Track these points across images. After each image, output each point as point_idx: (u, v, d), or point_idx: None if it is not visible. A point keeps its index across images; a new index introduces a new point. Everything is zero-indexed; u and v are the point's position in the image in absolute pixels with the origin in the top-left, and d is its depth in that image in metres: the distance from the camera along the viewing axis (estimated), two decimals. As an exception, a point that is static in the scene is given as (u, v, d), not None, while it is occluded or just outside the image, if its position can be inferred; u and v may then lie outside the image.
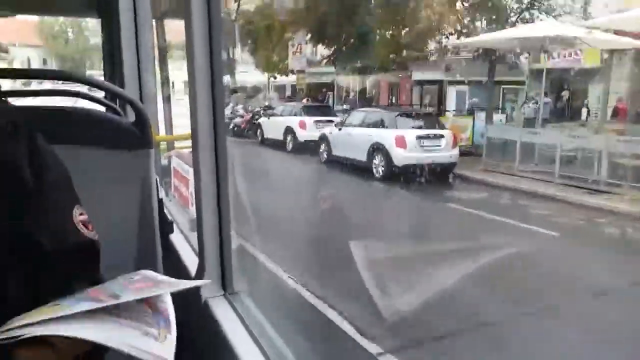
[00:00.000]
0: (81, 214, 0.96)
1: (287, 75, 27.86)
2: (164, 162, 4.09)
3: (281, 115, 16.27)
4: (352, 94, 26.22)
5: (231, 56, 27.12)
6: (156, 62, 3.60)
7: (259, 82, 29.45)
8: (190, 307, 1.53)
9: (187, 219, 2.24)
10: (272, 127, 16.03)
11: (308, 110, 15.81)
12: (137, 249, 1.56)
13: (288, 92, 30.49)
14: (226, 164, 1.42)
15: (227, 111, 17.12)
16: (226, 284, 1.45)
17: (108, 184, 1.52)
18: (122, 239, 1.52)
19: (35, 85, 10.78)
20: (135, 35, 2.98)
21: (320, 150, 12.90)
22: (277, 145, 15.27)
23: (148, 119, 1.66)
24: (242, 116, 18.91)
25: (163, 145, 3.97)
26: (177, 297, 1.64)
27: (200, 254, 1.50)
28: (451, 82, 19.53)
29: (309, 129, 14.46)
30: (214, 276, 1.46)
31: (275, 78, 28.16)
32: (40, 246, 0.88)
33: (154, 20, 3.52)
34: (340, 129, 12.51)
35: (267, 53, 26.15)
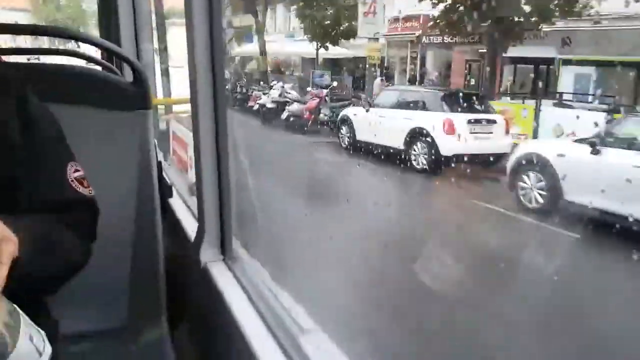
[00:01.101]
0: (76, 171, 0.95)
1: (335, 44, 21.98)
2: (162, 126, 4.05)
3: (390, 107, 10.39)
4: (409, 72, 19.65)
5: (259, 19, 24.10)
6: (154, 29, 3.52)
7: (304, 54, 24.94)
8: (190, 271, 1.53)
9: (186, 183, 2.23)
10: (375, 127, 10.06)
11: (451, 101, 9.77)
12: (136, 211, 1.55)
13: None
14: (225, 127, 1.40)
15: (275, 93, 14.71)
16: (225, 248, 1.45)
17: (106, 144, 1.50)
18: (122, 200, 1.51)
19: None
20: None
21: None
22: (387, 157, 9.18)
23: (146, 78, 1.63)
24: (299, 102, 14.09)
25: (161, 109, 3.93)
26: (177, 260, 1.65)
27: (200, 219, 1.49)
28: (566, 62, 13.53)
29: (461, 134, 8.70)
30: (213, 241, 1.45)
31: (326, 49, 22.44)
32: (31, 201, 0.87)
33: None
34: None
35: (321, 12, 21.49)
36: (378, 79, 17.55)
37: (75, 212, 0.93)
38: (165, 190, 1.86)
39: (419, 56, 19.54)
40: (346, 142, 11.01)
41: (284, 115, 13.82)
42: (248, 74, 25.68)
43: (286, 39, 26.56)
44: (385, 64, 20.78)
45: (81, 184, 0.95)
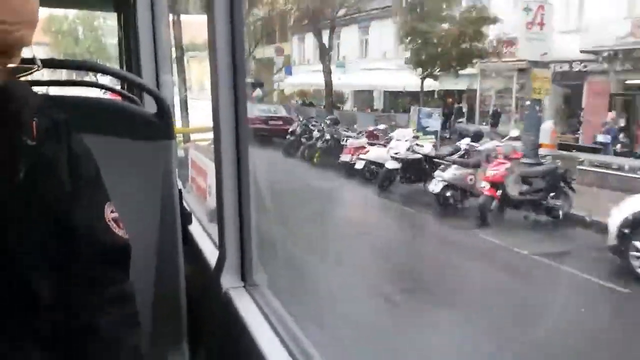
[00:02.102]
0: (112, 212, 0.95)
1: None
2: (181, 153, 4.11)
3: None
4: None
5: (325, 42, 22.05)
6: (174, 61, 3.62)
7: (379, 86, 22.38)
8: (211, 297, 1.55)
9: (204, 210, 2.26)
10: None
11: None
12: (158, 240, 1.58)
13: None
14: (247, 154, 1.43)
15: (401, 146, 9.61)
16: (246, 275, 1.46)
17: (130, 174, 1.54)
18: (144, 230, 1.54)
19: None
20: (152, 31, 3.00)
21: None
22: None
23: (169, 109, 1.68)
24: (456, 163, 8.31)
25: (179, 137, 4.00)
26: (198, 286, 1.67)
27: (221, 245, 1.51)
28: None
29: None
30: (234, 267, 1.47)
31: (435, 78, 17.97)
32: (73, 246, 0.86)
33: (171, 16, 3.53)
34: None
35: (436, 29, 15.96)
36: (548, 123, 11.54)
37: (112, 257, 0.93)
38: (186, 217, 1.89)
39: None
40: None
41: (435, 186, 7.95)
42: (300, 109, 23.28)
43: (337, 68, 24.07)
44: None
45: (117, 225, 0.95)
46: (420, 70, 18.05)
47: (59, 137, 0.87)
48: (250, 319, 1.29)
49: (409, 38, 17.69)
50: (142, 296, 1.51)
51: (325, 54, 22.14)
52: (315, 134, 13.79)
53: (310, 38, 27.54)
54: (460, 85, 19.40)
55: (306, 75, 25.73)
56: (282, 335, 1.20)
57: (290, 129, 15.63)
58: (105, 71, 1.85)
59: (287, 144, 15.07)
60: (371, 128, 14.46)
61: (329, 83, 22.22)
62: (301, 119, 16.15)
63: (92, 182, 0.94)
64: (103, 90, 3.12)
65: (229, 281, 1.47)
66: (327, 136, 13.25)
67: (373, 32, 24.47)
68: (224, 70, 1.42)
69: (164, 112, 1.66)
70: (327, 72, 21.69)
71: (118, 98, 2.25)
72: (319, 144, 13.23)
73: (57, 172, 0.85)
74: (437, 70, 17.68)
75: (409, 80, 19.43)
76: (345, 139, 12.46)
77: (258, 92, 24.52)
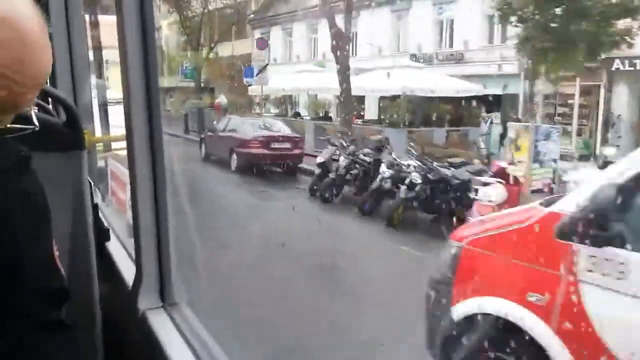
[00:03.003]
0: (57, 249, 0.84)
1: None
2: (101, 164, 3.89)
3: None
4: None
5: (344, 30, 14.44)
6: (91, 63, 3.41)
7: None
8: (127, 320, 1.43)
9: (125, 224, 2.12)
10: None
11: None
12: (69, 258, 1.45)
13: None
14: (163, 164, 1.34)
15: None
16: (165, 294, 1.36)
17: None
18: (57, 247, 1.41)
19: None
20: (66, 30, 2.82)
21: None
22: None
23: (79, 119, 1.56)
24: None
25: (100, 147, 3.79)
26: (112, 308, 1.54)
27: (138, 263, 1.40)
28: None
29: None
30: (152, 286, 1.37)
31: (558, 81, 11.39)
32: (23, 288, 0.75)
33: (87, 16, 3.34)
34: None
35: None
36: None
37: (56, 300, 0.82)
38: (102, 233, 1.76)
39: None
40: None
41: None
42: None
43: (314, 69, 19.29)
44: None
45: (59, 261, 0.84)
46: (529, 64, 11.96)
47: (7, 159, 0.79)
48: (168, 342, 1.20)
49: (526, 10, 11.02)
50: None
51: (345, 43, 15.10)
52: (384, 171, 8.16)
53: (300, 27, 23.16)
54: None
55: (294, 78, 18.84)
56: (201, 358, 1.12)
57: (319, 159, 9.91)
58: None
59: (321, 184, 9.32)
60: (500, 163, 8.17)
61: (345, 86, 14.53)
62: (345, 143, 10.14)
63: (44, 220, 0.84)
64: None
65: (146, 301, 1.36)
66: (416, 176, 7.58)
67: (361, 23, 19.54)
68: (135, 75, 1.33)
69: (73, 121, 1.54)
70: (344, 71, 14.56)
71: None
72: (405, 192, 7.50)
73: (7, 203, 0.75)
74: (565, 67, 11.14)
75: (428, 80, 15.01)
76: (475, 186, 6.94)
77: (222, 100, 20.62)
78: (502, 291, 2.51)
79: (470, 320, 2.59)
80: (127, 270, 1.64)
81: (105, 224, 1.84)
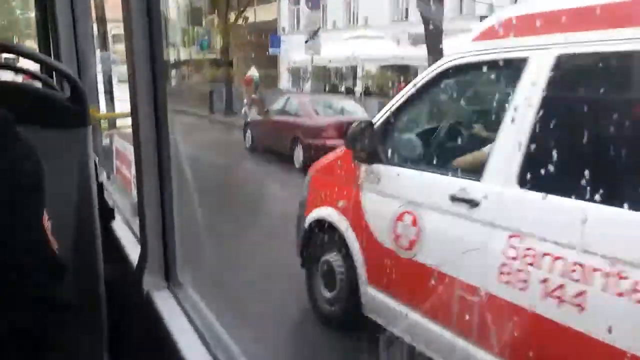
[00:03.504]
0: (48, 219, 0.82)
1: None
2: (106, 141, 3.87)
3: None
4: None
5: None
6: (95, 38, 3.37)
7: None
8: (131, 300, 1.42)
9: (129, 203, 2.11)
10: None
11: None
12: (74, 238, 1.43)
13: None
14: (168, 142, 1.31)
15: None
16: (170, 275, 1.35)
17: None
18: (58, 225, 1.39)
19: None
20: (70, 4, 2.76)
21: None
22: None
23: (84, 94, 1.53)
24: None
25: (105, 124, 3.75)
26: (117, 288, 1.53)
27: (143, 243, 1.38)
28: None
29: None
30: (156, 267, 1.35)
31: None
32: (5, 262, 0.73)
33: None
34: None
35: None
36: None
37: (49, 274, 0.80)
38: (107, 212, 1.74)
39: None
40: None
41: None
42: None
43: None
44: None
45: (51, 233, 0.81)
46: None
47: None
48: (173, 322, 1.19)
49: None
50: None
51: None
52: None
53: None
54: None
55: (350, 44, 15.28)
56: (206, 339, 1.11)
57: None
58: (10, 50, 1.66)
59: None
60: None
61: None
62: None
63: (32, 188, 0.80)
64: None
65: (151, 281, 1.35)
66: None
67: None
68: (140, 50, 1.28)
69: (78, 96, 1.51)
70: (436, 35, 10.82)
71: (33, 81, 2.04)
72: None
73: None
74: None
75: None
76: None
77: (254, 73, 17.03)
78: (327, 202, 3.54)
79: (312, 225, 3.63)
80: (132, 250, 1.62)
81: (110, 203, 1.82)
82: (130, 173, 3.61)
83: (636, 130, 2.05)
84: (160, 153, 1.32)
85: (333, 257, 3.46)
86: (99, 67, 3.20)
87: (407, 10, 16.74)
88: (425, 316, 2.71)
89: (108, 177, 2.77)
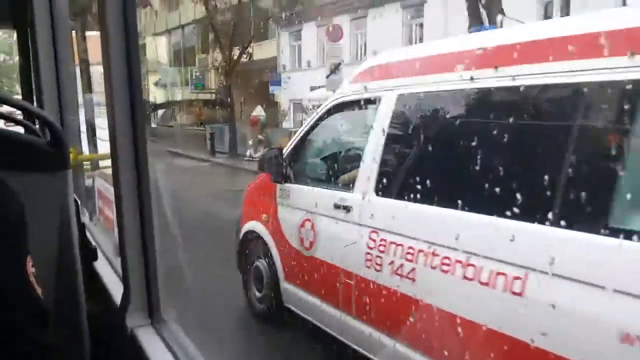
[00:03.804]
0: (32, 265, 0.82)
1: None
2: (89, 182, 3.88)
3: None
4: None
5: None
6: (78, 79, 3.41)
7: None
8: (115, 338, 1.42)
9: (112, 243, 2.11)
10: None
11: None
12: (57, 278, 1.43)
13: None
14: (148, 181, 1.33)
15: None
16: (153, 311, 1.35)
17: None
18: (41, 268, 1.39)
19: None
20: (53, 49, 2.81)
21: None
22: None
23: (63, 137, 1.55)
24: None
25: (87, 165, 3.77)
26: (101, 327, 1.53)
27: (125, 281, 1.39)
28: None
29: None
30: (139, 304, 1.36)
31: None
32: None
33: (74, 33, 3.33)
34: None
35: None
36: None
37: (32, 320, 0.80)
38: (90, 253, 1.74)
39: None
40: None
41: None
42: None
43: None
44: None
45: (37, 282, 0.81)
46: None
47: None
48: (158, 359, 1.19)
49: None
50: None
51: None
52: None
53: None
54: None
55: None
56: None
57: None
58: None
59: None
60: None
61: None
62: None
63: (14, 234, 0.81)
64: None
65: (135, 319, 1.35)
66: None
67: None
68: (119, 88, 1.32)
69: (57, 140, 1.53)
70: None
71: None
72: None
73: None
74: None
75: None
76: None
77: (260, 113, 16.83)
78: (255, 216, 4.27)
79: (246, 236, 4.36)
80: (115, 289, 1.62)
81: (93, 243, 1.83)
82: (113, 213, 3.63)
83: (444, 149, 2.86)
84: (140, 193, 1.34)
85: (261, 263, 4.16)
86: (81, 110, 3.24)
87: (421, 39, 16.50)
88: (323, 300, 3.45)
89: (90, 218, 2.77)
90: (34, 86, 2.93)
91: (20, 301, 0.78)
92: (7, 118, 2.04)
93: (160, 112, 25.03)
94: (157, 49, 29.77)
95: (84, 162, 3.16)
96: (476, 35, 3.82)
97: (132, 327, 1.33)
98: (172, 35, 29.91)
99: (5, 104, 1.63)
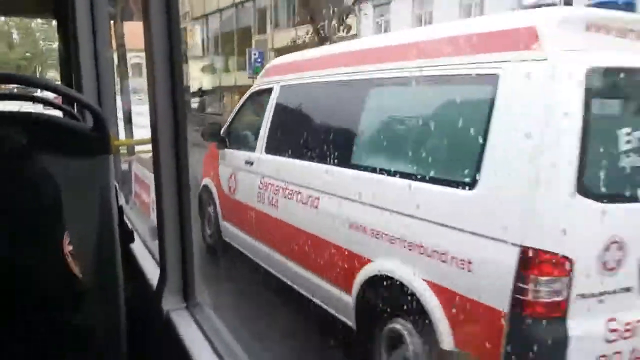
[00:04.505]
0: (69, 243, 0.85)
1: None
2: (125, 167, 3.97)
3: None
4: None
5: None
6: (115, 67, 3.48)
7: None
8: (151, 320, 1.46)
9: (148, 226, 2.16)
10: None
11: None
12: (96, 260, 1.47)
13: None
14: (187, 167, 1.36)
15: None
16: (188, 295, 1.38)
17: (65, 192, 1.43)
18: (81, 249, 1.44)
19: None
20: (92, 37, 2.88)
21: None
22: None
23: (106, 124, 1.58)
24: None
25: (123, 150, 3.85)
26: (137, 308, 1.57)
27: (162, 264, 1.43)
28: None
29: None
30: (175, 287, 1.39)
31: None
32: (22, 282, 0.75)
33: (112, 22, 3.40)
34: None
35: None
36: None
37: (64, 295, 0.82)
38: (126, 235, 1.79)
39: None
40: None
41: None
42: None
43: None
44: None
45: (72, 257, 0.84)
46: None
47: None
48: (192, 343, 1.22)
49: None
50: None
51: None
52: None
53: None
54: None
55: None
56: (224, 358, 1.14)
57: None
58: (31, 83, 1.73)
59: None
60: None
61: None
62: None
63: (45, 212, 0.83)
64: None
65: (170, 302, 1.39)
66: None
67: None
68: (161, 76, 1.35)
69: (100, 126, 1.57)
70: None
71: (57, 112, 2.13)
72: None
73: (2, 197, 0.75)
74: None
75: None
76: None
77: None
78: (207, 174, 5.68)
79: (201, 189, 5.78)
80: (151, 272, 1.66)
81: (130, 226, 1.87)
82: (149, 197, 3.75)
83: (297, 122, 4.40)
84: (179, 179, 1.37)
85: (210, 208, 5.60)
86: (117, 96, 3.30)
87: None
88: (244, 231, 4.84)
89: (127, 202, 2.84)
90: (73, 73, 3.00)
91: (54, 278, 0.81)
92: (51, 103, 2.10)
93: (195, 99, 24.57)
94: (205, 29, 29.08)
95: (120, 147, 3.23)
96: (326, 48, 6.09)
97: (167, 309, 1.37)
98: (222, 14, 28.72)
99: (55, 92, 1.68)
